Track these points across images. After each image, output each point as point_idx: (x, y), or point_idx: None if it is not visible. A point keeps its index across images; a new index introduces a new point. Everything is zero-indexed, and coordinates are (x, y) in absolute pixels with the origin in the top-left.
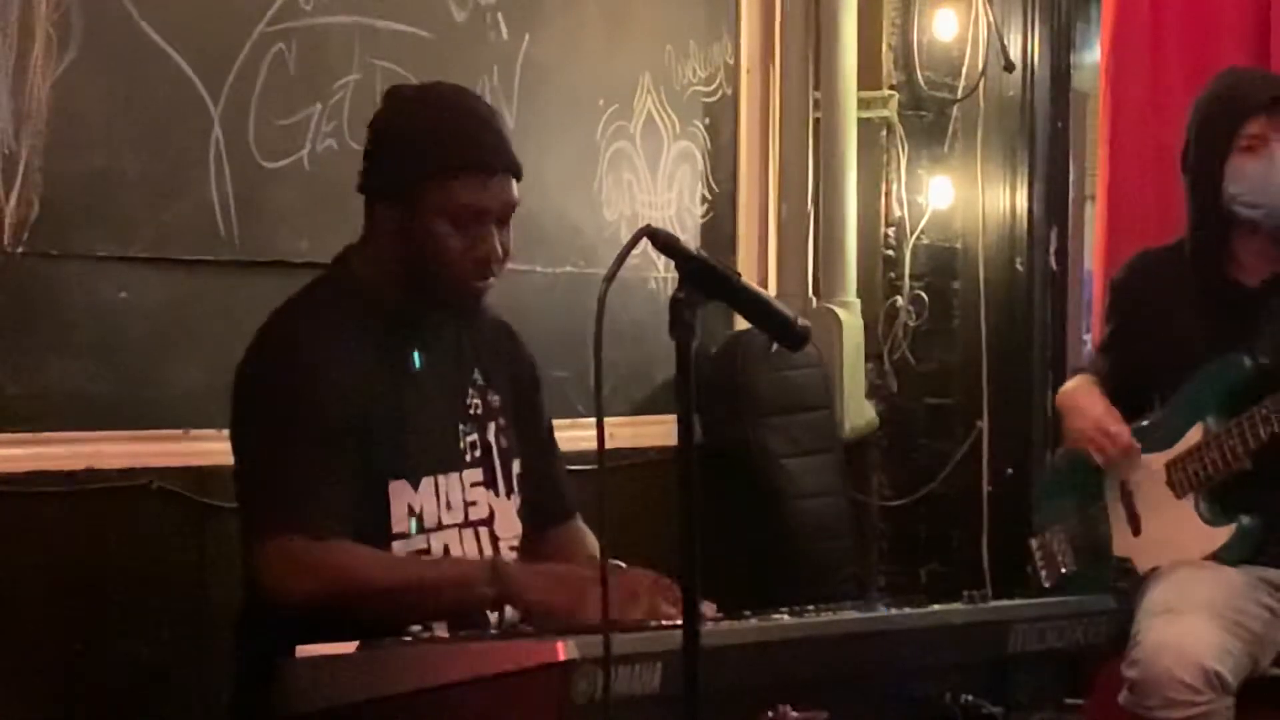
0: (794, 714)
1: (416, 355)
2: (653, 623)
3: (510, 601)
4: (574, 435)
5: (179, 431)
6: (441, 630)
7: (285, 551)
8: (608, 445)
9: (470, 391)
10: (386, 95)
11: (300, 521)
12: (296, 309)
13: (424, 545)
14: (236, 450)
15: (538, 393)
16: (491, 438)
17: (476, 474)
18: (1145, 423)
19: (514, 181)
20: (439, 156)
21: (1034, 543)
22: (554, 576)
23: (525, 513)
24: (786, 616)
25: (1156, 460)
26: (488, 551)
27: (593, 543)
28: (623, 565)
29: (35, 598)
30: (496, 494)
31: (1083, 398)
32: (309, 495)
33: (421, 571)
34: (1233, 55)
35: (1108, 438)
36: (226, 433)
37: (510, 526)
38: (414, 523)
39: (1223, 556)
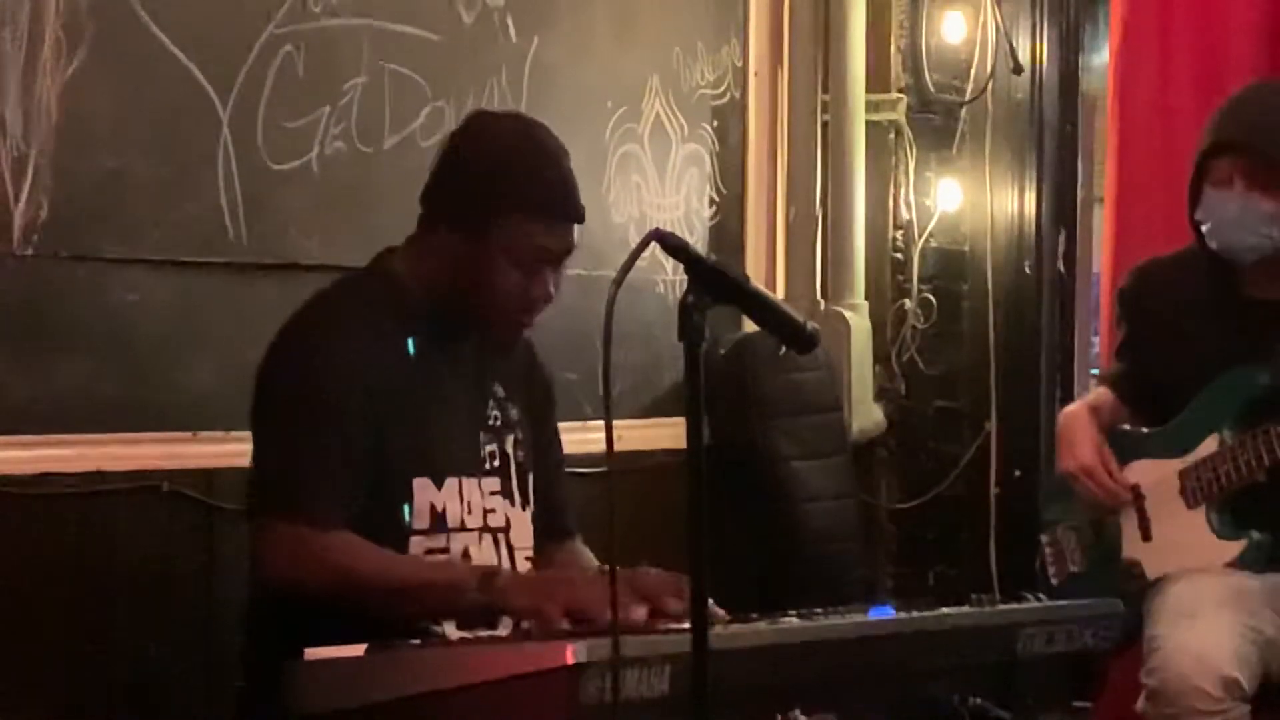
0: (802, 717)
1: (410, 341)
2: (660, 625)
3: (497, 609)
4: (582, 438)
5: (188, 434)
6: (451, 631)
7: (287, 539)
8: (616, 448)
9: (490, 403)
10: (469, 120)
11: (305, 510)
12: (330, 299)
13: (444, 544)
14: (253, 434)
15: (551, 412)
16: (510, 449)
17: (494, 483)
18: (1160, 429)
19: (576, 227)
20: (515, 196)
21: (1044, 539)
22: (538, 580)
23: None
24: (795, 619)
25: (1170, 467)
26: (504, 559)
27: (590, 562)
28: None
29: (45, 599)
30: (513, 504)
31: (1078, 432)
32: (317, 484)
33: (414, 572)
34: (1243, 57)
35: (1093, 480)
36: (236, 434)
37: (525, 537)
38: (436, 521)
39: (1234, 568)
